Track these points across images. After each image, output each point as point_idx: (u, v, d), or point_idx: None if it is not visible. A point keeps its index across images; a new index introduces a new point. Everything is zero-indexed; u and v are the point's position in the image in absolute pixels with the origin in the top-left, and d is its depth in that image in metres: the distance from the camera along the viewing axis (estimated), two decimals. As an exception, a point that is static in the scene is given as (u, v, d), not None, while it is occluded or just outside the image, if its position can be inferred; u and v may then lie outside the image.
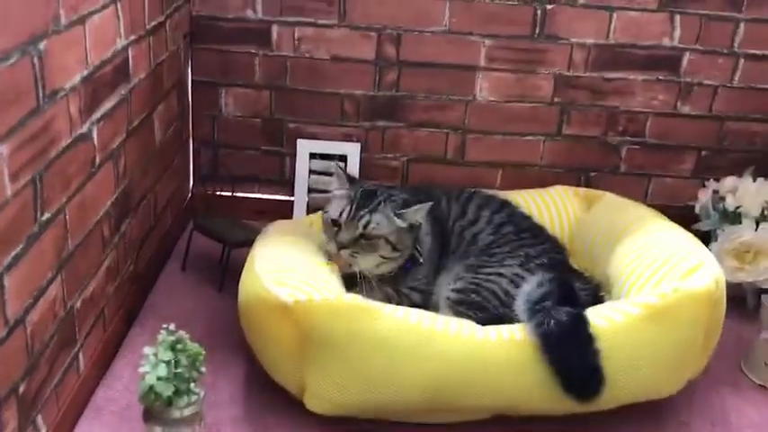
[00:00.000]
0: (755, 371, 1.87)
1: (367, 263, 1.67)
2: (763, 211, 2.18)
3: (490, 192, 2.01)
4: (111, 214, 1.60)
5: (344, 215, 1.68)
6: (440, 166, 2.36)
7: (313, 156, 2.33)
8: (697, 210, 2.31)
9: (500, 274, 1.67)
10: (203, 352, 1.38)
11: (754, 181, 2.25)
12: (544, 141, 2.34)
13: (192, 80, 2.25)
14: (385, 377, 1.41)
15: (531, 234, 1.82)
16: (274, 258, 1.64)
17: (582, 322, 1.45)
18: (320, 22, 2.18)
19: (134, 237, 1.78)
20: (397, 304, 1.68)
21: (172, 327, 1.38)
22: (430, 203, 1.71)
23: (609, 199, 2.14)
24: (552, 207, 2.18)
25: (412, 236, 1.71)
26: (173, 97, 2.05)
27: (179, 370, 1.35)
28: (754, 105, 2.29)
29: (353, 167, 2.31)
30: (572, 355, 1.43)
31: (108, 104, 1.52)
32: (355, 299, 1.45)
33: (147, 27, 1.75)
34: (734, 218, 2.20)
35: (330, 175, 2.32)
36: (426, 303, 1.73)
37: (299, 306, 1.43)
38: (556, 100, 2.28)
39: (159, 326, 1.80)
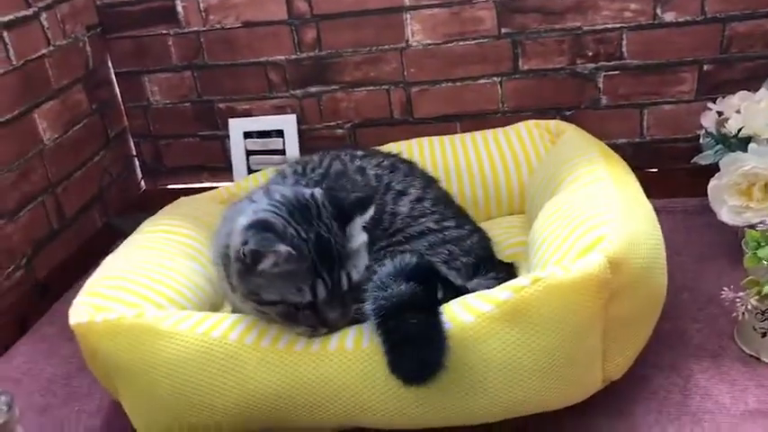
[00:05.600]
0: (744, 338, 1.43)
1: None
2: (775, 131, 1.69)
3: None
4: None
5: (322, 292, 1.15)
6: (389, 128, 2.08)
7: (248, 135, 2.14)
8: (701, 139, 1.85)
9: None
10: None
11: (769, 93, 1.75)
12: (501, 82, 1.98)
13: (114, 72, 2.15)
14: (189, 403, 1.20)
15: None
16: (121, 259, 1.48)
17: (422, 295, 1.14)
18: (222, -13, 1.99)
19: (15, 243, 1.71)
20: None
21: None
22: (369, 200, 1.21)
23: (568, 136, 1.74)
24: (518, 145, 1.80)
25: None
26: (74, 93, 1.96)
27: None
28: (763, -3, 1.79)
29: (292, 142, 2.10)
30: (404, 327, 1.10)
31: None
32: (142, 317, 1.25)
33: (-7, 21, 1.66)
34: (738, 144, 1.72)
35: (272, 153, 2.14)
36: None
37: (81, 328, 1.26)
38: (503, 31, 1.92)
39: (54, 333, 1.75)
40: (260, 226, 1.12)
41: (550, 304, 1.09)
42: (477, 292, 1.17)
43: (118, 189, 2.15)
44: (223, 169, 2.23)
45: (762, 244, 1.28)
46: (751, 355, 1.40)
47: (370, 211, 1.18)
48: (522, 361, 1.10)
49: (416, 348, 1.09)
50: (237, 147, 2.14)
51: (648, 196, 1.46)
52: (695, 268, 1.71)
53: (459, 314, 1.13)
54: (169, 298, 1.38)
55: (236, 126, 2.13)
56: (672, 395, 1.33)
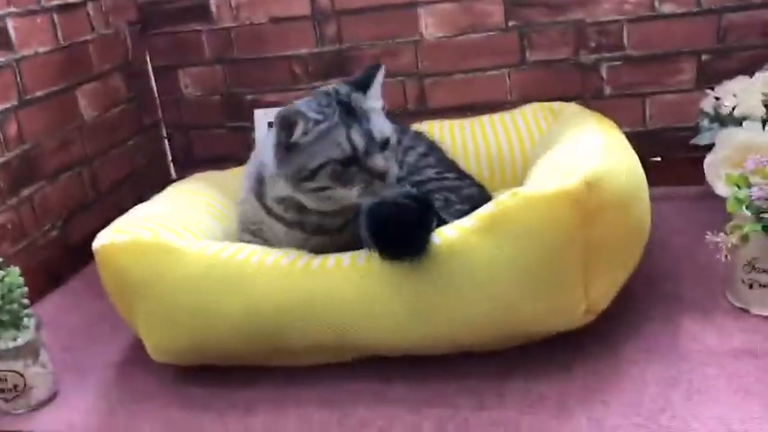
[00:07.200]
0: (734, 292, 1.48)
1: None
2: (769, 108, 1.76)
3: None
4: (-1, 175, 1.69)
5: (359, 140, 1.25)
6: (404, 118, 2.19)
7: (272, 125, 2.28)
8: (699, 122, 1.93)
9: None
10: (21, 282, 1.39)
11: (764, 77, 1.83)
12: (509, 74, 2.10)
13: (152, 66, 2.33)
14: (198, 318, 1.30)
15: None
16: (144, 208, 1.61)
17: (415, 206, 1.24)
18: (252, -15, 2.17)
19: (52, 205, 1.85)
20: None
21: (-1, 260, 1.41)
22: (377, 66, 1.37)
23: (569, 111, 1.84)
24: (522, 124, 1.91)
25: None
26: (113, 79, 2.13)
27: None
28: (757, -12, 1.89)
29: (312, 131, 2.23)
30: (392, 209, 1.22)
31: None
32: (158, 237, 1.36)
33: (44, 4, 1.85)
34: (732, 122, 1.80)
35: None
36: None
37: (102, 249, 1.38)
38: (511, 24, 2.05)
39: (82, 289, 1.87)
40: (286, 107, 1.30)
41: (528, 216, 1.18)
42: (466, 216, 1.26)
43: (149, 173, 2.30)
44: (248, 159, 2.36)
45: (740, 186, 1.35)
46: (741, 308, 1.45)
47: (380, 77, 1.33)
48: (503, 272, 1.18)
49: (402, 222, 1.20)
50: (262, 136, 2.28)
51: (651, 184, 1.52)
52: (694, 243, 1.76)
53: (445, 231, 1.23)
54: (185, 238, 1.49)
55: (261, 116, 2.27)
56: (661, 338, 1.38)
